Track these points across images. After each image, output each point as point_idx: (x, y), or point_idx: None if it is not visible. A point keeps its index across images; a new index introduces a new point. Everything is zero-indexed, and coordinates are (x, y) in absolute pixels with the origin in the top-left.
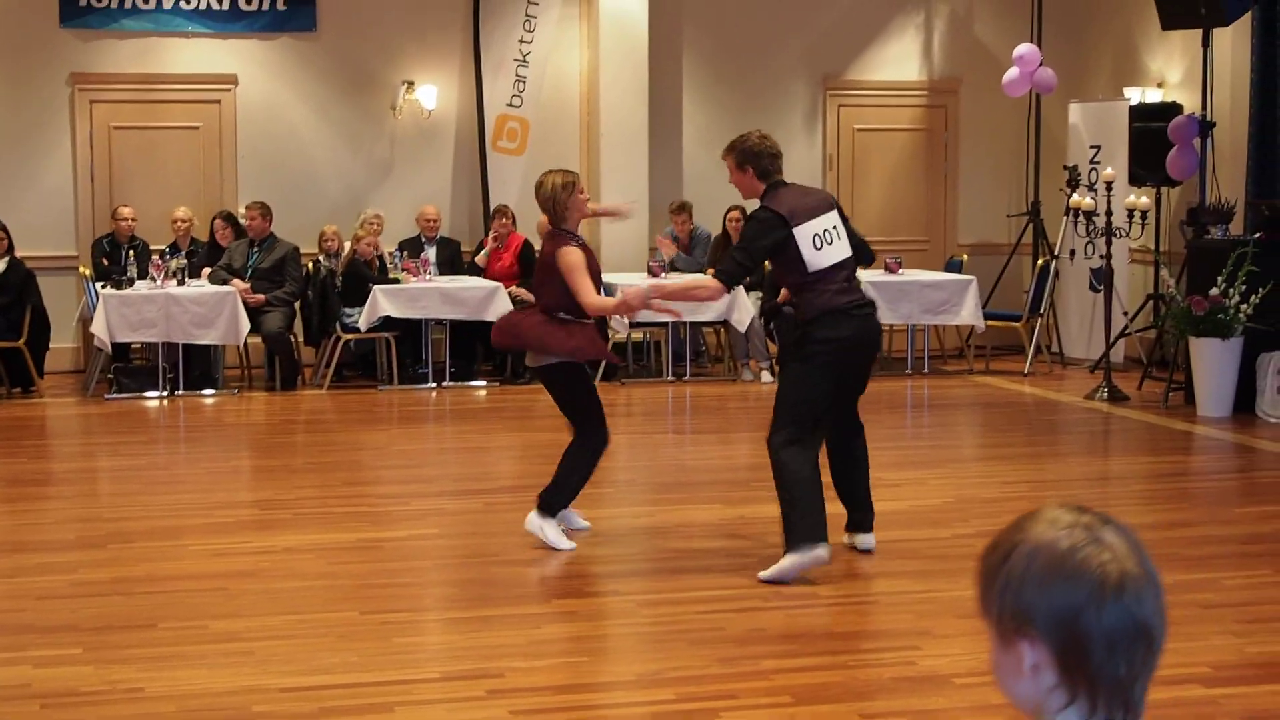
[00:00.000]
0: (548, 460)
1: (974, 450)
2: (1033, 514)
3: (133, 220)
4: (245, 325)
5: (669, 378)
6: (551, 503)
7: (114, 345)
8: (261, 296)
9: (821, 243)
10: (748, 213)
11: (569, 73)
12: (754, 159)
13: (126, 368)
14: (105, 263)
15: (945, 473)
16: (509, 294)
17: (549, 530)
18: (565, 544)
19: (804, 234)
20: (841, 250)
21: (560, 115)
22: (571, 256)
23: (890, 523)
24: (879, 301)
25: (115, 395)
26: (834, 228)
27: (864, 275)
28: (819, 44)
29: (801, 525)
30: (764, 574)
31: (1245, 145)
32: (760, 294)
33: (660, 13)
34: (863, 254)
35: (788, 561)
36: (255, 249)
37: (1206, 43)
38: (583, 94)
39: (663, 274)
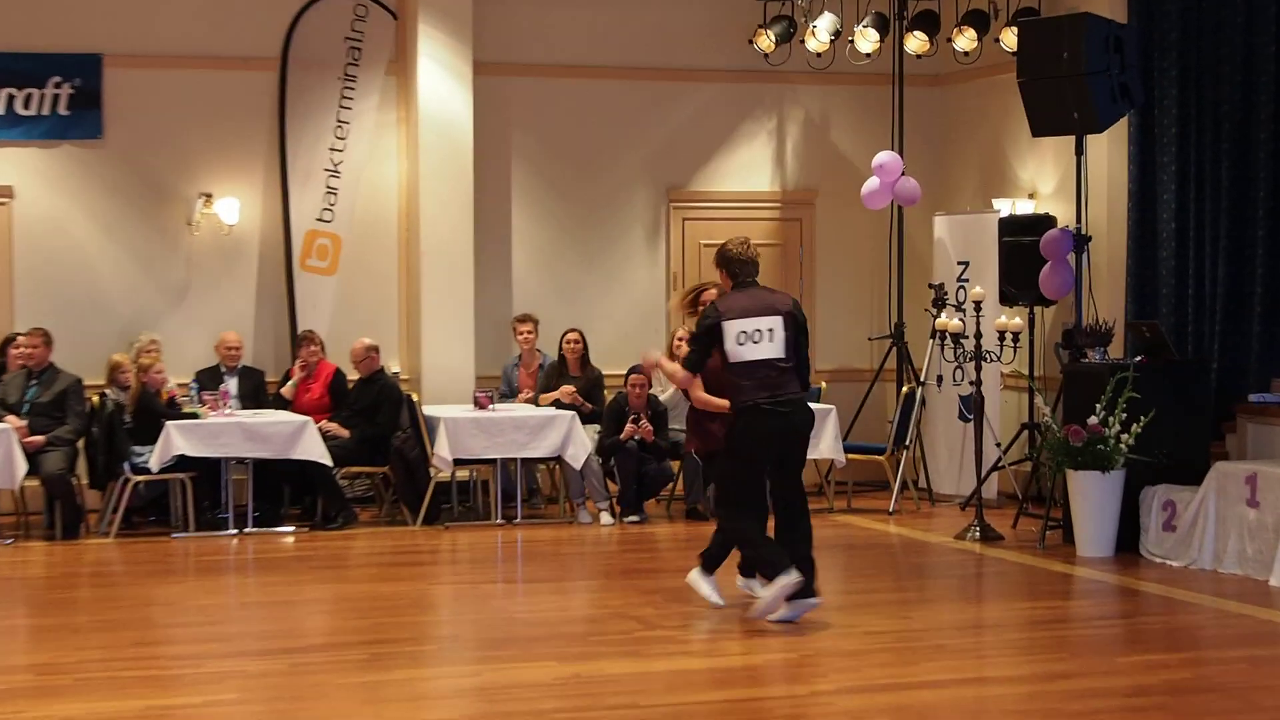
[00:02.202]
0: (360, 614)
1: (835, 598)
2: None
3: None
4: (22, 467)
5: (498, 520)
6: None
7: None
8: (41, 438)
9: (746, 340)
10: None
11: (386, 184)
12: (726, 264)
13: None
14: None
15: (801, 623)
16: (320, 429)
17: (704, 585)
18: (716, 599)
19: (730, 328)
20: (769, 350)
21: (376, 231)
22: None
23: (742, 679)
24: None
25: None
26: (769, 330)
27: None
28: (661, 152)
29: (768, 556)
30: (750, 613)
31: (1124, 261)
32: (600, 428)
33: (485, 118)
34: (801, 377)
35: (769, 592)
36: (33, 381)
37: (1080, 150)
38: (401, 207)
39: (490, 406)
